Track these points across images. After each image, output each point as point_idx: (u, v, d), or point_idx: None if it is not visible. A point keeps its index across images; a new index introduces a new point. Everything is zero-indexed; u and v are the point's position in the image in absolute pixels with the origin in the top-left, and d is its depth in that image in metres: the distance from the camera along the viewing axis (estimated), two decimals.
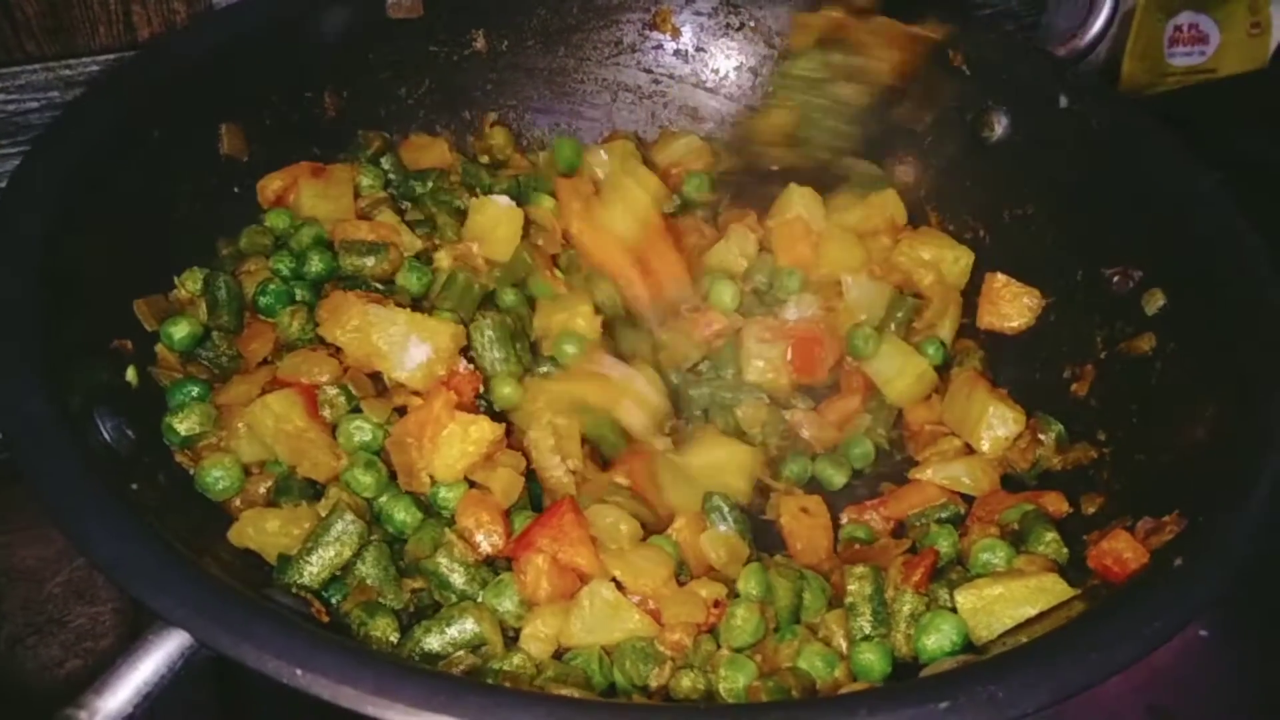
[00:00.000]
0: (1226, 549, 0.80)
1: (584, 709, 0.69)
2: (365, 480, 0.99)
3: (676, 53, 1.43)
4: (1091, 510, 1.02)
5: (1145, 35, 1.69)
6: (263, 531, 0.94)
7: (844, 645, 0.95)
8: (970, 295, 1.27)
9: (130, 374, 0.98)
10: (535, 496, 1.05)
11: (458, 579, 0.95)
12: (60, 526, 0.75)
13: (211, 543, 0.92)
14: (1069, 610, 0.86)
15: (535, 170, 1.36)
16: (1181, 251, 1.08)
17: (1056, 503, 1.04)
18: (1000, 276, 1.23)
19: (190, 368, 1.06)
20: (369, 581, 0.94)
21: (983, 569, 0.98)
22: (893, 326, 1.24)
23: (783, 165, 1.32)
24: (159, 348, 1.04)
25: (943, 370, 1.23)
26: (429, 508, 1.01)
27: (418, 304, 1.13)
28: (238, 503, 0.99)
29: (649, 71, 1.43)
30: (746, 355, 1.22)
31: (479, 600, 0.95)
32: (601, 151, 1.36)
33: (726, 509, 1.05)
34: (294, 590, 0.90)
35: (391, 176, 1.30)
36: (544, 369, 1.16)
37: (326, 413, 1.02)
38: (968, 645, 0.91)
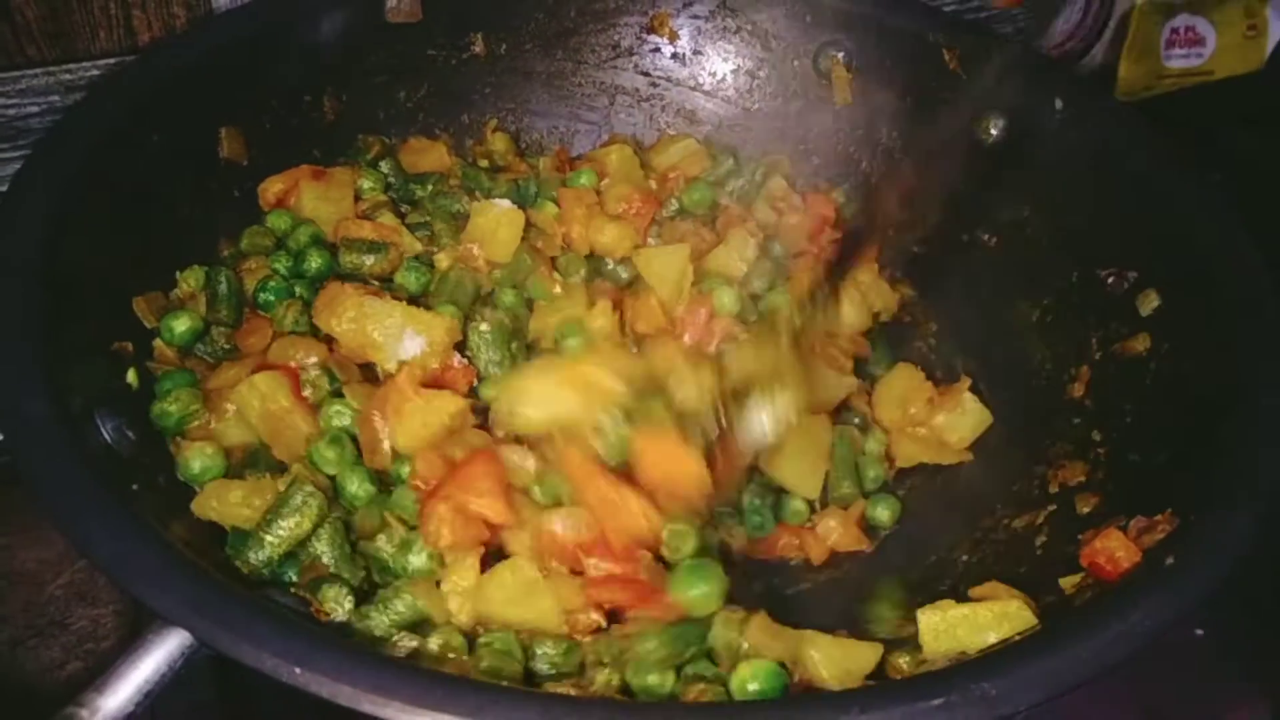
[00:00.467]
0: (1219, 548, 0.81)
1: (579, 707, 0.70)
2: (328, 455, 1.00)
3: (674, 56, 1.43)
4: (1086, 510, 1.02)
5: (1142, 37, 1.69)
6: (225, 502, 0.94)
7: None
8: None
9: (131, 376, 0.99)
10: None
11: (394, 562, 0.96)
12: (60, 527, 0.75)
13: (211, 543, 0.93)
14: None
15: (536, 174, 1.37)
16: (1176, 252, 1.08)
17: None
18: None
19: (188, 362, 1.07)
20: (323, 559, 0.95)
21: None
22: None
23: None
24: (157, 343, 1.05)
25: None
26: (387, 485, 1.02)
27: (415, 302, 1.13)
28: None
29: (647, 75, 1.44)
30: None
31: (393, 570, 0.96)
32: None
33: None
34: (254, 565, 0.91)
35: (391, 180, 1.30)
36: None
37: (309, 393, 1.04)
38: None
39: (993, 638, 0.88)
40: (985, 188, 1.28)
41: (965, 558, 1.11)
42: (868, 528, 1.17)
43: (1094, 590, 0.88)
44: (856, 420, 1.23)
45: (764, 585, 1.10)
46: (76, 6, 1.23)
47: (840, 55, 1.38)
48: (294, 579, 0.94)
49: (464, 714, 0.66)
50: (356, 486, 1.00)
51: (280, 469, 1.01)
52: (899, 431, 1.22)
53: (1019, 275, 1.23)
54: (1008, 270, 1.24)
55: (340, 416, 1.03)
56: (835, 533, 1.15)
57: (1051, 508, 1.07)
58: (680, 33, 1.42)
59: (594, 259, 1.28)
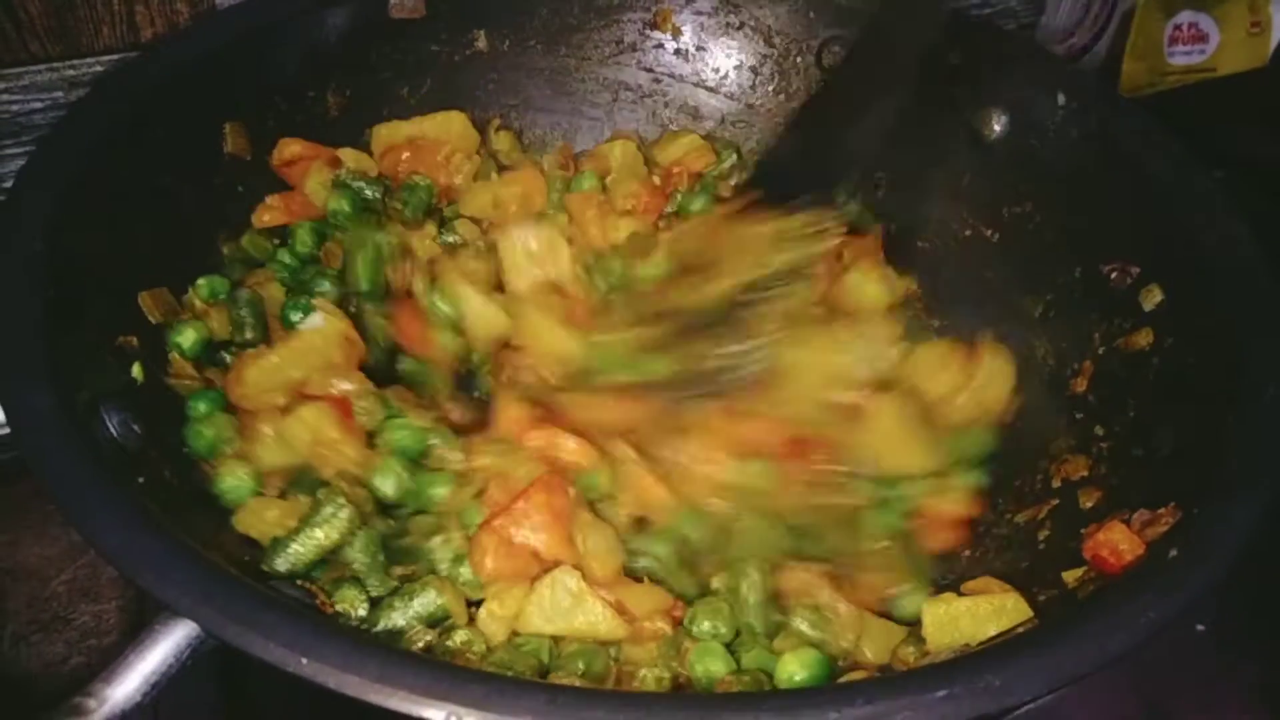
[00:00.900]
0: (1222, 540, 0.81)
1: (585, 697, 0.70)
2: (386, 488, 1.01)
3: (677, 52, 1.44)
4: (1089, 505, 1.02)
5: (1145, 34, 1.70)
6: (264, 520, 0.95)
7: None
8: None
9: (136, 370, 0.99)
10: None
11: (446, 570, 0.97)
12: (69, 518, 0.75)
13: (217, 536, 0.93)
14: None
15: (541, 171, 1.36)
16: (1179, 248, 1.08)
17: None
18: None
19: (207, 373, 1.07)
20: (355, 566, 0.95)
21: None
22: None
23: None
24: (173, 355, 1.05)
25: None
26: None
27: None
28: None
29: (650, 71, 1.44)
30: None
31: (443, 572, 0.96)
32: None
33: None
34: (280, 573, 0.91)
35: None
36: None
37: (364, 419, 1.05)
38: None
39: (993, 630, 0.89)
40: (988, 183, 1.28)
41: (968, 552, 1.11)
42: None
43: (1097, 584, 0.88)
44: None
45: None
46: (80, 3, 1.24)
47: (842, 51, 1.38)
48: (317, 578, 0.94)
49: (470, 704, 0.66)
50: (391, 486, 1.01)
51: (321, 485, 1.01)
52: (942, 404, 1.18)
53: (1022, 270, 1.23)
54: (1010, 265, 1.25)
55: (403, 438, 1.04)
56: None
57: (1054, 502, 1.07)
58: (683, 28, 1.43)
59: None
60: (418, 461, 1.05)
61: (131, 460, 0.90)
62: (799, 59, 1.41)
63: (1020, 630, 0.82)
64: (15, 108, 1.25)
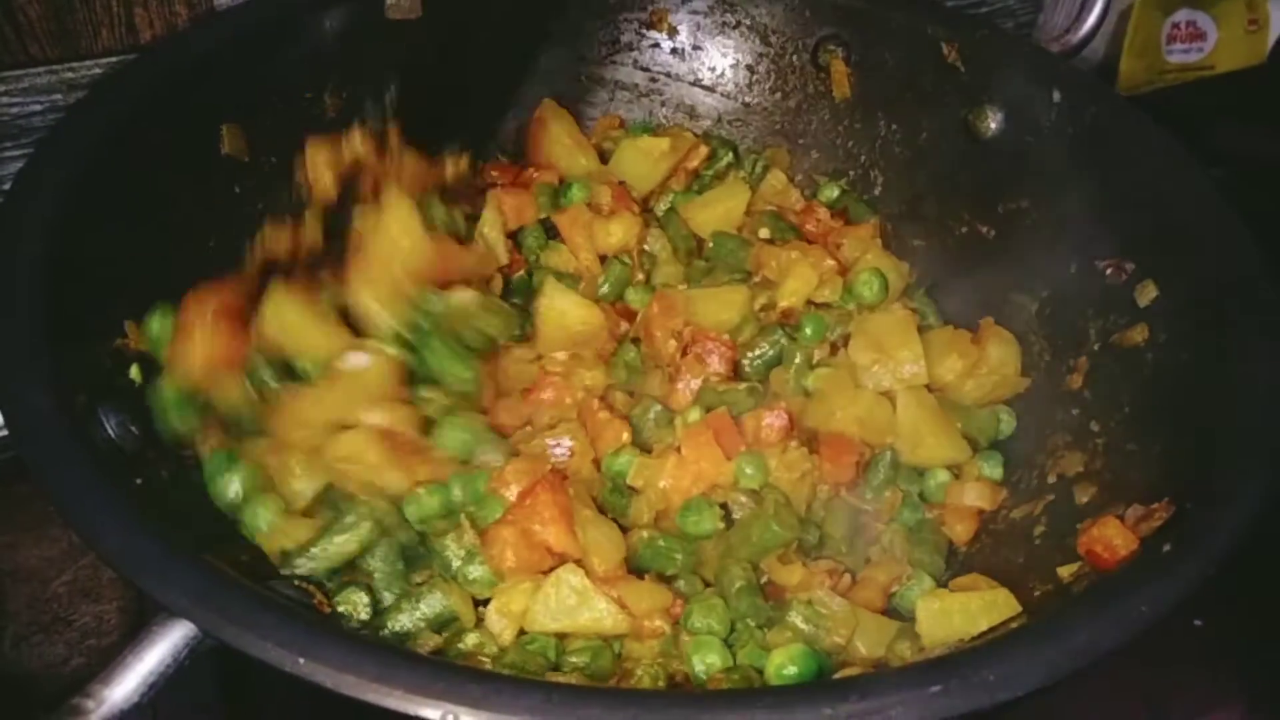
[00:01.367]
0: (1216, 535, 0.81)
1: (581, 695, 0.70)
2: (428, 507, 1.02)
3: (673, 51, 1.44)
4: (1084, 500, 1.02)
5: (1143, 32, 1.70)
6: (294, 539, 0.96)
7: None
8: None
9: (134, 372, 0.99)
10: None
11: (456, 566, 0.97)
12: (68, 520, 0.76)
13: (213, 537, 0.94)
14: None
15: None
16: (1174, 244, 1.09)
17: None
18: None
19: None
20: (376, 576, 0.96)
21: None
22: None
23: None
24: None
25: None
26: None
27: None
28: None
29: (646, 70, 1.44)
30: None
31: (453, 573, 0.97)
32: None
33: None
34: (293, 580, 0.91)
35: None
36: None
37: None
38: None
39: (984, 624, 0.90)
40: (983, 180, 1.29)
41: (964, 548, 1.12)
42: None
43: (1091, 578, 0.89)
44: None
45: None
46: (79, 5, 1.23)
47: (839, 49, 1.38)
48: (328, 585, 0.95)
49: (467, 703, 0.66)
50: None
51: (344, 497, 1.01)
52: (961, 383, 1.19)
53: (1017, 267, 1.24)
54: (1006, 262, 1.25)
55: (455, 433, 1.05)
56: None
57: (1050, 498, 1.08)
58: (679, 28, 1.43)
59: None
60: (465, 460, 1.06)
61: (129, 462, 0.91)
62: (795, 58, 1.41)
63: (1014, 625, 0.82)
64: (14, 110, 1.25)
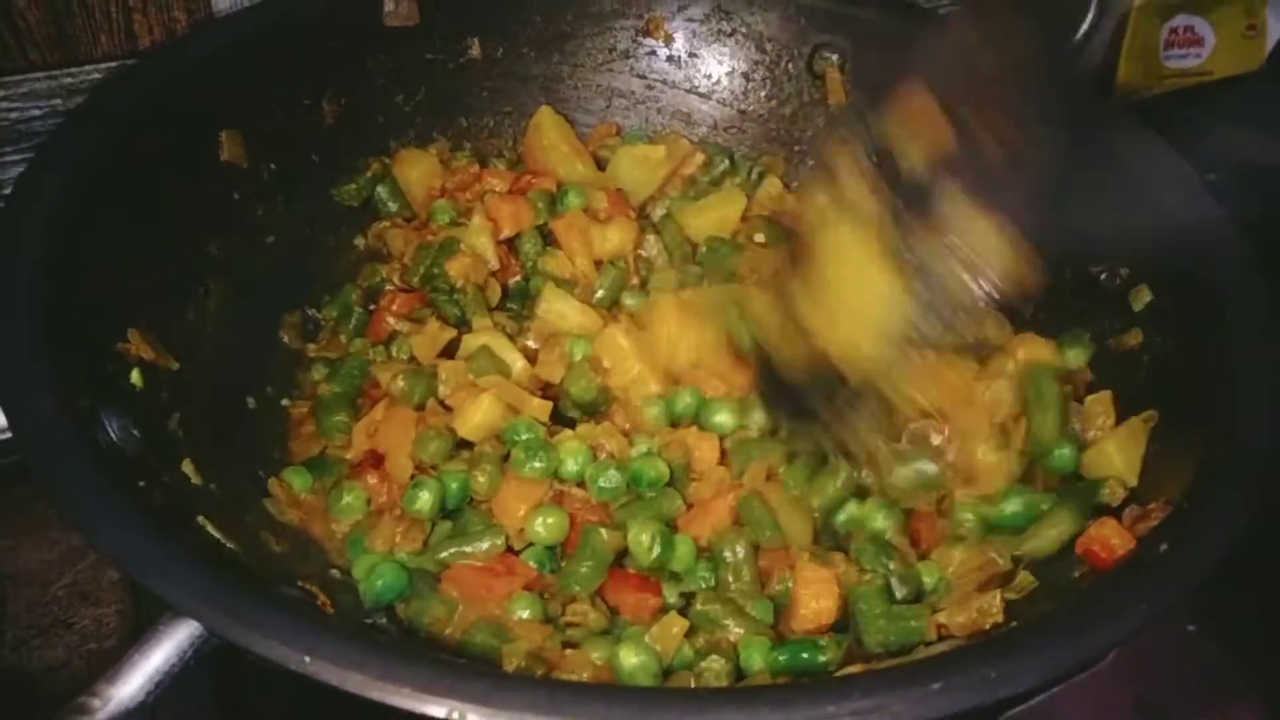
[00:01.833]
0: (1212, 535, 0.82)
1: (585, 692, 0.71)
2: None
3: (669, 59, 1.45)
4: None
5: (1141, 38, 1.70)
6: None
7: None
8: None
9: (135, 376, 1.00)
10: None
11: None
12: (74, 521, 0.76)
13: (216, 539, 0.94)
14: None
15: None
16: (1168, 249, 1.09)
17: None
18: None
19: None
20: None
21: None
22: None
23: None
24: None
25: None
26: None
27: None
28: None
29: (643, 77, 1.45)
30: None
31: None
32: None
33: None
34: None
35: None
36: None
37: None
38: None
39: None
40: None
41: None
42: None
43: (1089, 578, 0.89)
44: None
45: None
46: (78, 11, 1.24)
47: (834, 57, 1.39)
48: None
49: (473, 700, 0.66)
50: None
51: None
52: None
53: None
54: None
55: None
56: None
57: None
58: (675, 36, 1.43)
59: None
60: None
61: (132, 465, 0.91)
62: (790, 65, 1.42)
63: (1014, 624, 0.83)
64: (14, 115, 1.26)
